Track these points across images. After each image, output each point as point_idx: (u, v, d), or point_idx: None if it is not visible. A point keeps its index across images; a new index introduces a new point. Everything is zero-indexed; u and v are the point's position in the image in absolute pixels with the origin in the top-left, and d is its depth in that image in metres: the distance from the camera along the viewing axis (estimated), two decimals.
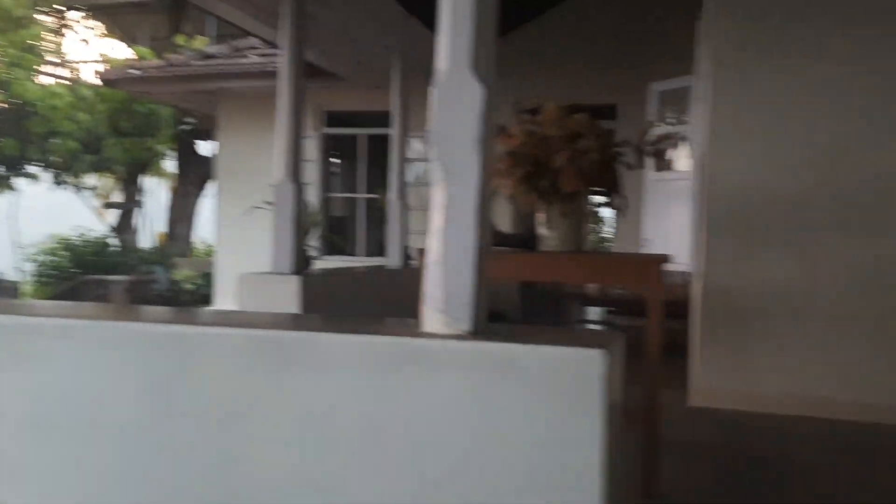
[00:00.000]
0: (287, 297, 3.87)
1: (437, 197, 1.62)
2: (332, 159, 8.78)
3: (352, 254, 7.65)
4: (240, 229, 7.33)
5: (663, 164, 2.94)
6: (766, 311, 3.69)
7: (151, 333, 1.69)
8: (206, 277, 11.36)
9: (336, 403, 1.54)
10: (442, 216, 1.60)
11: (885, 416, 3.46)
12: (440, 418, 1.48)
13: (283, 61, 3.95)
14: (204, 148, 12.64)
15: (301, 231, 4.07)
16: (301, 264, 4.05)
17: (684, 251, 4.81)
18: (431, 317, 1.59)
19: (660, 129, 5.65)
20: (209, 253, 12.85)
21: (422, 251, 2.74)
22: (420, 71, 6.21)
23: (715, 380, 3.77)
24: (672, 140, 3.27)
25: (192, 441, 1.61)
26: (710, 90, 3.84)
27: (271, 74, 6.66)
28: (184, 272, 11.05)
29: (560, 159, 2.64)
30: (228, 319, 1.97)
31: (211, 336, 1.68)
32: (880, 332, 3.54)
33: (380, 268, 5.56)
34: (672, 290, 6.05)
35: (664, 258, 2.65)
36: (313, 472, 1.56)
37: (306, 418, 1.56)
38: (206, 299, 11.09)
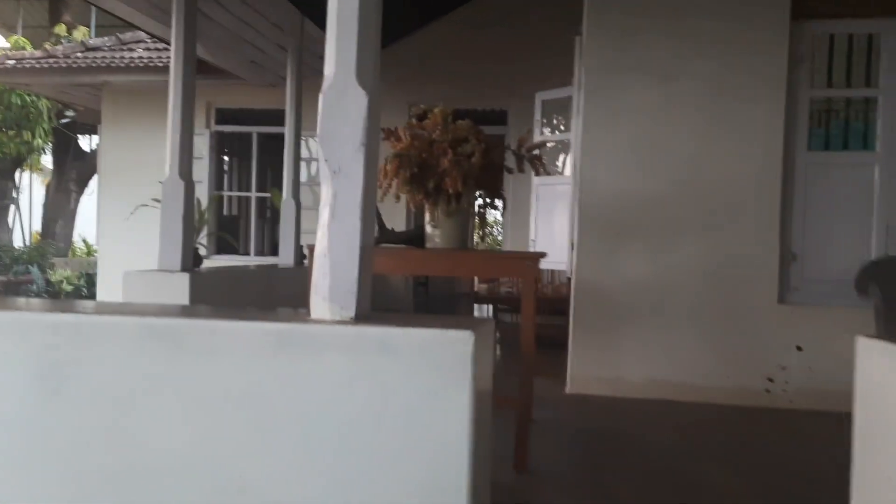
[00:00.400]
0: (175, 294, 3.83)
1: (325, 195, 1.76)
2: (223, 157, 8.64)
3: (244, 253, 7.57)
4: (125, 228, 7.09)
5: (541, 169, 3.18)
6: (630, 305, 4.06)
7: (43, 322, 1.74)
8: (89, 278, 10.83)
9: (229, 386, 1.65)
10: (329, 212, 1.74)
11: (730, 397, 3.90)
12: (326, 396, 1.62)
13: (174, 58, 3.92)
14: (86, 143, 12.04)
15: (190, 229, 4.05)
16: (190, 262, 4.03)
17: (567, 252, 5.16)
18: (319, 305, 1.73)
19: (545, 136, 6.01)
20: (91, 253, 12.24)
21: (310, 247, 2.84)
22: (314, 71, 6.30)
23: (587, 369, 4.10)
24: (546, 147, 3.53)
25: (88, 425, 1.67)
26: (583, 99, 4.18)
27: (159, 69, 6.54)
28: (62, 273, 10.49)
29: (444, 162, 2.84)
30: (122, 309, 2.03)
31: (104, 324, 1.75)
32: (727, 321, 3.97)
33: (273, 266, 5.56)
34: (558, 289, 6.46)
35: (539, 255, 2.90)
36: (208, 450, 1.65)
37: (201, 401, 1.65)
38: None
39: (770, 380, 3.90)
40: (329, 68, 1.78)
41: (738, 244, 3.96)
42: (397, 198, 2.87)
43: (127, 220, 5.58)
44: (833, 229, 4.02)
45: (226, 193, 7.87)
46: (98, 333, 1.75)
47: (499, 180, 3.05)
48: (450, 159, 2.82)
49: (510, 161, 3.16)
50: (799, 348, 3.91)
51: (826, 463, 2.92)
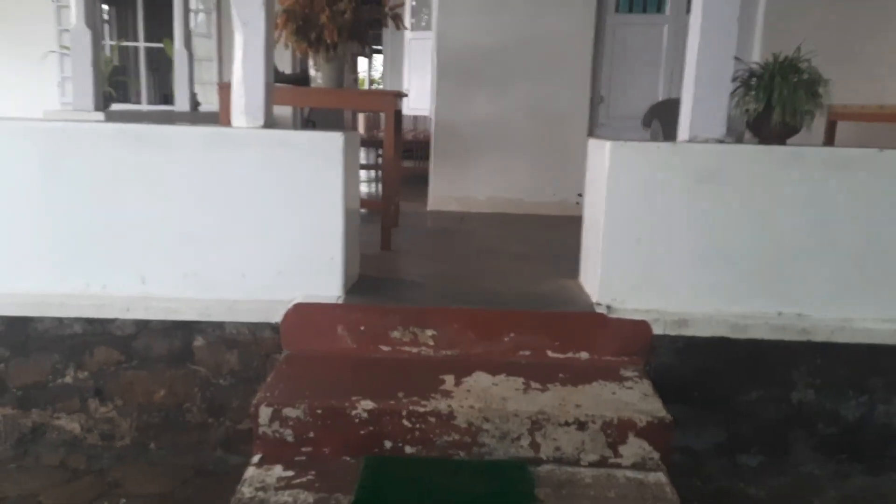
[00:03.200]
0: None
1: (238, 39, 2.58)
2: (101, 5, 8.64)
3: (136, 102, 7.93)
4: (7, 81, 7.26)
5: (400, 25, 3.99)
6: (476, 139, 5.10)
7: (45, 128, 2.53)
8: None
9: (178, 170, 2.53)
10: (241, 51, 2.57)
11: (552, 209, 5.11)
12: (244, 177, 2.55)
13: None
14: None
15: (100, 73, 4.59)
16: (102, 103, 4.61)
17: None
18: (238, 117, 2.61)
19: None
20: None
21: (221, 84, 3.60)
22: None
23: (443, 190, 5.18)
24: (402, 5, 4.27)
25: (78, 196, 2.52)
26: None
27: None
28: None
29: (323, 17, 3.62)
30: (91, 118, 2.83)
31: (87, 129, 2.56)
32: (550, 150, 5.10)
33: (171, 111, 6.13)
34: (423, 133, 7.40)
35: (398, 93, 3.82)
36: (164, 211, 2.54)
37: (159, 180, 2.53)
38: None
39: (580, 195, 5.10)
40: None
41: (559, 89, 5.01)
42: (286, 46, 3.64)
43: (40, 64, 5.85)
44: (632, 77, 5.15)
45: (116, 43, 8.04)
46: (84, 135, 2.55)
47: (365, 32, 3.87)
48: (327, 15, 3.60)
49: (376, 17, 3.96)
50: None
51: None
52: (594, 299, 2.59)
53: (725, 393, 2.52)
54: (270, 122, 2.66)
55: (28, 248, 2.55)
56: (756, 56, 3.95)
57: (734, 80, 2.58)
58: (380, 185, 6.84)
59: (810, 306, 2.52)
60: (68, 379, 2.54)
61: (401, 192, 4.56)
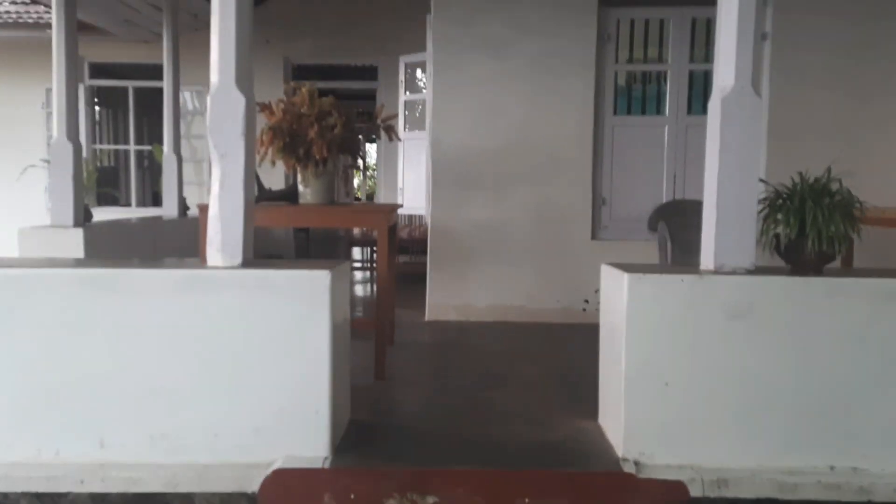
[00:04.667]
0: (70, 248, 4.18)
1: (215, 172, 2.35)
2: (94, 108, 8.62)
3: (126, 204, 7.77)
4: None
5: (394, 137, 3.83)
6: (475, 244, 4.86)
7: None
8: None
9: (147, 318, 2.26)
10: (218, 185, 2.35)
11: (556, 317, 4.83)
12: (222, 322, 2.27)
13: (56, 27, 4.17)
14: None
15: (80, 186, 4.39)
16: (82, 217, 4.39)
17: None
18: (213, 255, 2.35)
19: (407, 97, 6.64)
20: None
21: (201, 207, 3.39)
22: (188, 28, 6.53)
23: (442, 299, 4.90)
24: (396, 119, 4.14)
25: (34, 352, 2.23)
26: (433, 71, 4.86)
27: (29, 26, 6.55)
28: None
29: (311, 133, 3.43)
30: (52, 263, 2.56)
31: (44, 276, 2.29)
32: (552, 254, 4.86)
33: (157, 218, 5.91)
34: (419, 230, 7.21)
35: (392, 207, 3.60)
36: (130, 366, 2.26)
37: (125, 330, 2.26)
38: None
39: (586, 301, 4.85)
40: (214, 76, 2.36)
41: (559, 191, 4.83)
42: (272, 163, 3.44)
43: (18, 181, 5.74)
44: (634, 178, 4.98)
45: (105, 147, 7.97)
46: (39, 283, 2.28)
47: (357, 146, 3.68)
48: (316, 131, 3.42)
49: (366, 130, 3.79)
50: None
51: None
52: (619, 453, 2.27)
53: None
54: (249, 260, 2.40)
55: None
56: (762, 170, 3.76)
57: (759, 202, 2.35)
58: (373, 288, 6.57)
59: (867, 459, 2.20)
60: None
61: (395, 305, 4.28)
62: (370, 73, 7.87)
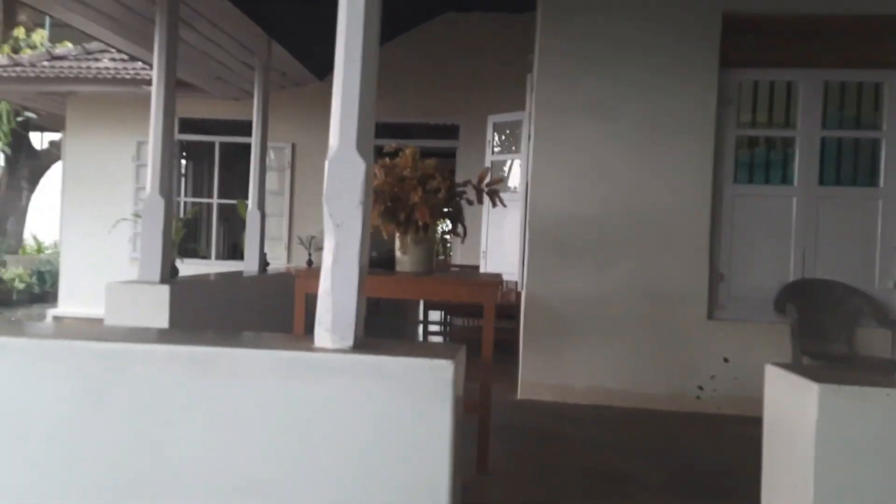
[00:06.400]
0: (155, 305, 4.06)
1: (328, 243, 2.09)
2: (179, 160, 8.76)
3: (206, 257, 7.74)
4: (85, 234, 7.23)
5: (498, 202, 3.56)
6: (574, 319, 4.48)
7: (87, 350, 2.03)
8: (40, 276, 10.72)
9: (248, 404, 1.97)
10: (332, 258, 2.08)
11: (665, 403, 4.37)
12: (330, 412, 1.96)
13: (156, 84, 4.14)
14: (37, 140, 11.88)
15: (169, 242, 4.28)
16: (168, 274, 4.27)
17: (516, 262, 5.55)
18: (322, 335, 2.06)
19: (497, 157, 6.41)
20: (41, 250, 12.08)
21: (298, 273, 3.16)
22: (277, 86, 6.53)
23: (536, 377, 4.51)
24: (502, 182, 3.90)
25: (124, 437, 1.97)
26: (534, 132, 4.59)
27: (126, 81, 6.68)
28: (14, 270, 10.37)
29: (415, 197, 3.18)
30: (147, 336, 2.33)
31: (139, 352, 2.05)
32: (662, 334, 4.44)
33: (238, 274, 5.79)
34: (507, 296, 6.87)
35: (498, 280, 3.28)
36: (229, 458, 1.97)
37: (223, 416, 1.97)
38: (39, 298, 10.49)
39: (700, 388, 4.38)
40: (334, 140, 2.11)
41: (672, 265, 4.43)
42: (373, 228, 3.19)
43: (109, 234, 5.74)
44: (756, 253, 4.53)
45: (190, 199, 8.03)
46: (133, 359, 2.04)
47: (460, 211, 3.41)
48: (420, 195, 3.17)
49: (470, 194, 3.52)
50: (726, 360, 4.40)
51: (742, 462, 3.39)
52: None
53: None
54: (360, 340, 2.11)
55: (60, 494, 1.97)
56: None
57: None
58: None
59: None
60: None
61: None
62: (445, 131, 7.71)
